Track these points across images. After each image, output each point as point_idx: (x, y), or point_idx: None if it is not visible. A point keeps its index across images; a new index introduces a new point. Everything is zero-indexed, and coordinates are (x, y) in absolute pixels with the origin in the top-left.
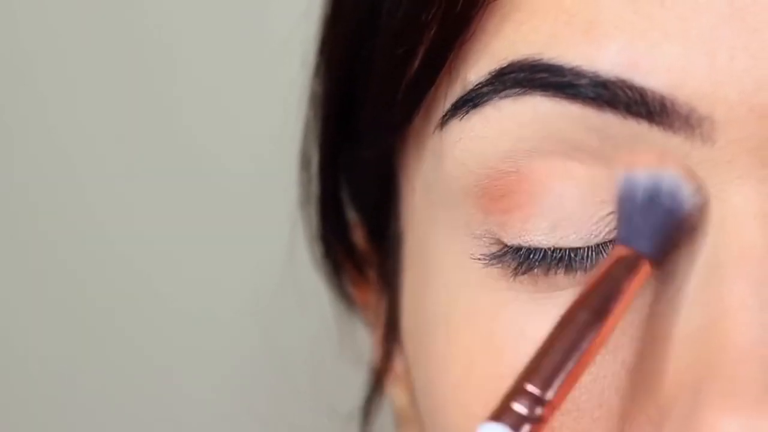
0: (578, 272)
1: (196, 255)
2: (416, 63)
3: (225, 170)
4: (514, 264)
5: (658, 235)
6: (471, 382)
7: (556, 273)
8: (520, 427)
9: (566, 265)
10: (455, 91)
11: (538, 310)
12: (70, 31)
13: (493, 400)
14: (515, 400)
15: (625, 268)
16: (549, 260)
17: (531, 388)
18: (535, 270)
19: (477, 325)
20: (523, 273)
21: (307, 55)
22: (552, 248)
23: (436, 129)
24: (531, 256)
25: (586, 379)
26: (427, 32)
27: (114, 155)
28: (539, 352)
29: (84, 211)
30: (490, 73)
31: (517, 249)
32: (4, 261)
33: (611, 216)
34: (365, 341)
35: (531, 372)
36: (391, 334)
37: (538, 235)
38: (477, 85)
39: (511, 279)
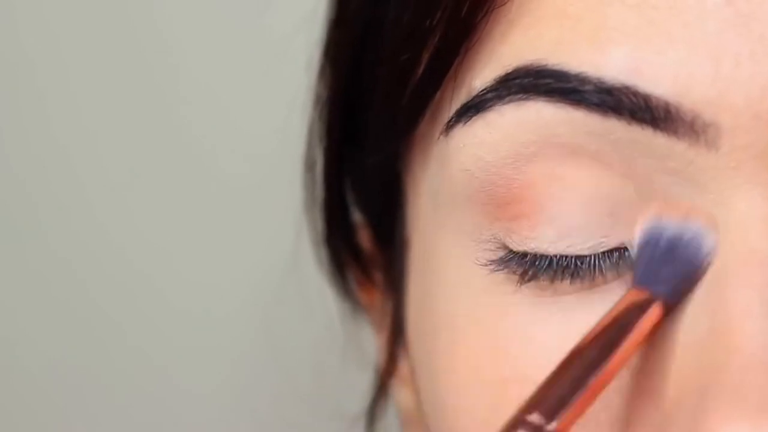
0: (585, 279)
1: (200, 256)
2: (421, 69)
3: (229, 170)
4: (519, 270)
5: (675, 281)
6: (476, 387)
7: (561, 280)
8: None
9: (572, 273)
10: (460, 96)
11: (542, 315)
12: (70, 31)
13: (498, 405)
14: (517, 429)
15: (638, 309)
16: (555, 267)
17: (534, 418)
18: (541, 277)
19: (481, 329)
20: (529, 280)
21: (312, 56)
22: (558, 255)
23: (441, 134)
24: (537, 263)
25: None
26: (432, 38)
27: (115, 155)
28: (545, 383)
29: (84, 211)
30: (495, 80)
31: (523, 255)
32: (4, 261)
33: (617, 224)
34: (370, 343)
35: (536, 402)
36: (396, 336)
37: (545, 243)
38: (482, 91)
39: (517, 285)
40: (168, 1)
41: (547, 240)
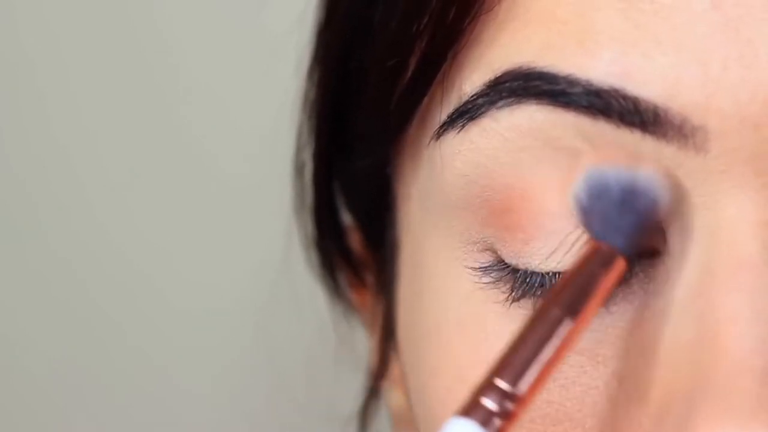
0: None
1: (194, 256)
2: (409, 73)
3: (223, 171)
4: (509, 284)
5: (634, 232)
6: (461, 393)
7: (546, 284)
8: (489, 423)
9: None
10: (451, 101)
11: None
12: (70, 31)
13: None
14: (484, 395)
15: (600, 264)
16: (545, 283)
17: (500, 383)
18: (531, 297)
19: (467, 336)
20: (519, 298)
21: (302, 58)
22: (550, 273)
23: (431, 139)
24: (528, 280)
25: (577, 390)
26: (419, 43)
27: (114, 156)
28: (510, 347)
29: (84, 211)
30: (484, 84)
31: (514, 271)
32: (4, 261)
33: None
34: (363, 344)
35: (501, 367)
36: (388, 337)
37: (536, 259)
38: (472, 96)
39: (504, 297)
40: (167, 1)
41: (538, 257)
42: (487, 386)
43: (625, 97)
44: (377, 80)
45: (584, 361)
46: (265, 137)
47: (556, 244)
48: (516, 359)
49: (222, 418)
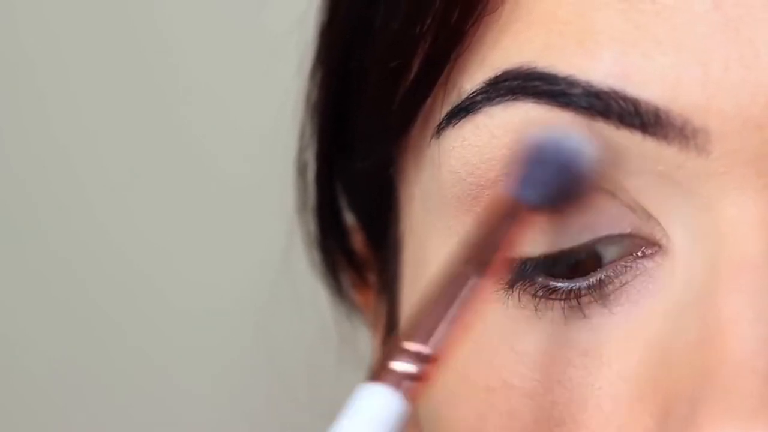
0: (574, 287)
1: (194, 256)
2: (411, 75)
3: (223, 171)
4: (507, 277)
5: (544, 184)
6: (464, 393)
7: (550, 289)
8: (400, 384)
9: (558, 274)
10: (451, 99)
11: (529, 326)
12: (70, 31)
13: (485, 413)
14: (395, 358)
15: (507, 217)
16: (541, 270)
17: (412, 345)
18: (530, 287)
19: (468, 336)
20: (517, 286)
21: (303, 58)
22: (543, 255)
23: (432, 138)
24: (524, 267)
25: (581, 390)
26: (422, 44)
27: (114, 156)
28: (420, 307)
29: (84, 211)
30: (484, 82)
31: (509, 261)
32: (4, 261)
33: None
34: (366, 344)
35: (412, 328)
36: (391, 337)
37: (526, 245)
38: (471, 93)
39: (503, 293)
40: (167, 1)
41: (528, 242)
42: (397, 349)
43: (625, 99)
44: (379, 81)
45: (588, 362)
46: (266, 137)
47: (546, 227)
48: (426, 319)
49: (222, 418)
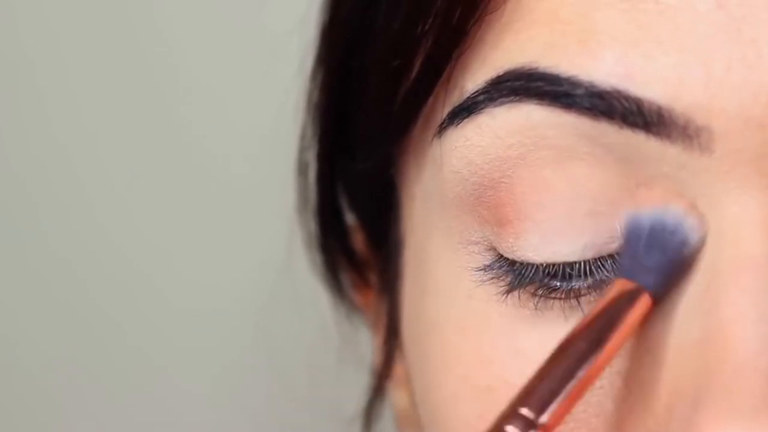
0: (574, 286)
1: (194, 256)
2: (413, 74)
3: (223, 172)
4: (507, 278)
5: (661, 269)
6: (465, 393)
7: (550, 288)
8: None
9: (561, 280)
10: (452, 99)
11: (529, 325)
12: (70, 31)
13: (485, 413)
14: (508, 422)
15: (627, 300)
16: (542, 276)
17: (525, 411)
18: (529, 285)
19: (469, 336)
20: (516, 288)
21: (305, 58)
22: (545, 264)
23: (434, 137)
24: (524, 271)
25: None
26: (424, 44)
27: (114, 156)
28: (535, 376)
29: (84, 211)
30: (486, 82)
31: (512, 263)
32: (4, 261)
33: (604, 228)
34: (367, 344)
35: (525, 395)
36: (392, 337)
37: (530, 250)
38: (473, 93)
39: (503, 294)
40: (167, 1)
41: (532, 247)
42: (511, 414)
43: (628, 98)
44: (381, 81)
45: None
46: (266, 137)
47: (547, 235)
48: (541, 389)
49: (222, 418)
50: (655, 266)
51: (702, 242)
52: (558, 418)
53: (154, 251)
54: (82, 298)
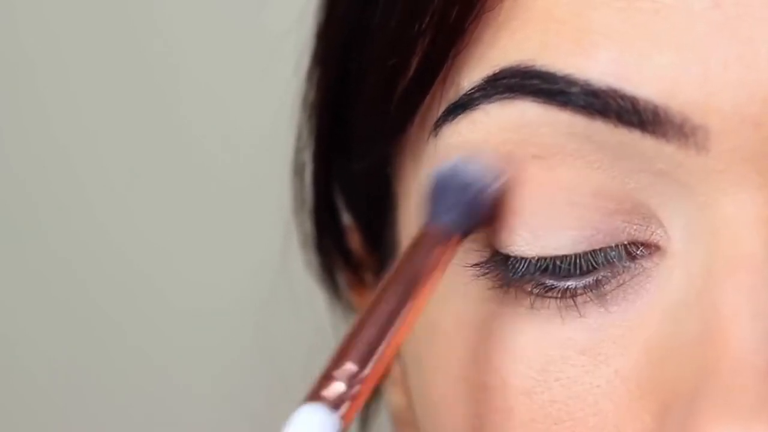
0: (570, 286)
1: (194, 256)
2: (409, 73)
3: (222, 172)
4: (502, 274)
5: (459, 207)
6: (461, 392)
7: (546, 287)
8: (340, 406)
9: (555, 276)
10: (449, 97)
11: (525, 324)
12: (70, 31)
13: (482, 412)
14: (333, 378)
15: (432, 244)
16: (534, 270)
17: (349, 366)
18: (524, 282)
19: (465, 335)
20: (512, 284)
21: (302, 58)
22: (536, 257)
23: (430, 135)
24: (518, 266)
25: (579, 389)
26: (421, 42)
27: (114, 156)
28: (354, 330)
29: (84, 211)
30: (482, 79)
31: (505, 258)
32: (4, 261)
33: (594, 221)
34: None
35: (347, 351)
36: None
37: (522, 245)
38: (469, 90)
39: (499, 290)
40: (167, 1)
41: (524, 242)
42: (335, 370)
43: (623, 97)
44: (377, 80)
45: (586, 360)
46: (264, 137)
47: (537, 230)
48: (361, 342)
49: (222, 418)
50: (451, 206)
51: (494, 178)
52: (378, 369)
53: (154, 251)
54: (82, 298)
